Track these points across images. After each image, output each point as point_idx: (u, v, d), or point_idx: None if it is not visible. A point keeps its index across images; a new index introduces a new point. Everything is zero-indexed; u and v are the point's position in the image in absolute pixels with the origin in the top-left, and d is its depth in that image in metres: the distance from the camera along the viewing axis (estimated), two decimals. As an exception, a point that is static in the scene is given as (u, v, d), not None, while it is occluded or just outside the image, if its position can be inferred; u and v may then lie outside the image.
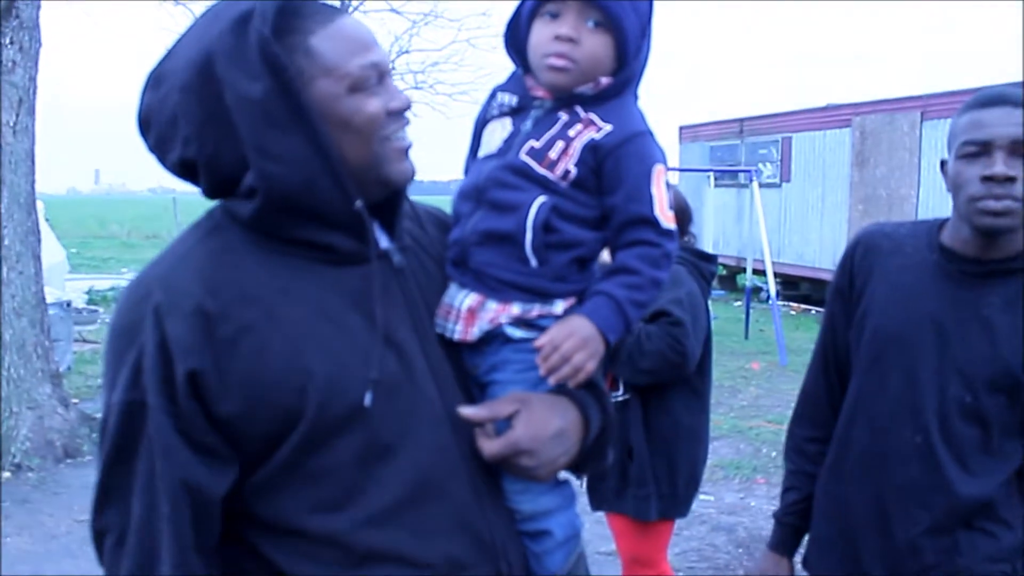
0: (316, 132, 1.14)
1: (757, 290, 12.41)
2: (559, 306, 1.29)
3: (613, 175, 1.27)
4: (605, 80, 1.29)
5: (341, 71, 1.17)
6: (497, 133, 1.34)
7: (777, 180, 15.17)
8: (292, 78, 1.13)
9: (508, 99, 1.35)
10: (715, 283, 15.43)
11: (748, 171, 12.06)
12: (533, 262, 1.27)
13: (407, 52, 26.22)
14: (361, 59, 1.18)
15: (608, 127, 1.27)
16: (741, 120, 16.58)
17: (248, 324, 1.15)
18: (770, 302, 10.72)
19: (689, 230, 3.23)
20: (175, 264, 1.20)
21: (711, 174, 12.91)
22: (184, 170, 1.20)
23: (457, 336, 1.28)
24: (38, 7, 5.97)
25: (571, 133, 1.28)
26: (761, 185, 12.44)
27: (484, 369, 1.31)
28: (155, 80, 1.19)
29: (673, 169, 17.27)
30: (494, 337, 1.29)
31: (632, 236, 1.28)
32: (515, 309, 1.28)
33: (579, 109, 1.30)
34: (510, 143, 1.31)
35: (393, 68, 1.26)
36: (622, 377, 2.99)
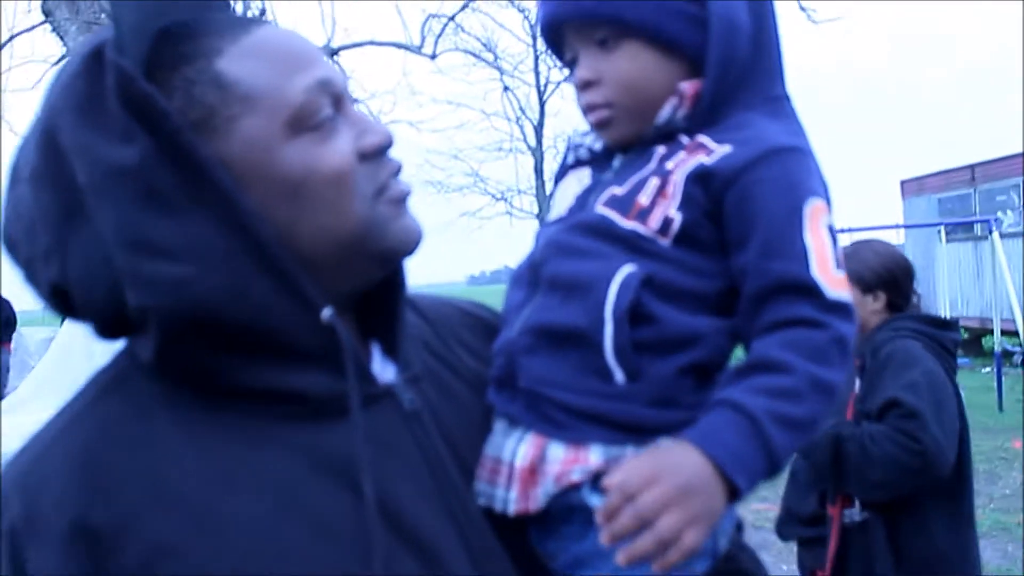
0: (233, 203, 0.70)
1: (1008, 354, 10.96)
2: None
3: (738, 216, 0.78)
4: (688, 86, 0.84)
5: (273, 98, 0.73)
6: (571, 188, 0.89)
7: (1021, 228, 13.62)
8: (179, 128, 0.69)
9: (590, 141, 0.91)
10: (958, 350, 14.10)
11: (987, 220, 10.76)
12: (618, 375, 0.78)
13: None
14: (303, 77, 0.74)
15: (725, 148, 0.80)
16: (972, 166, 15.08)
17: (165, 542, 0.70)
18: (1027, 367, 9.37)
19: (914, 291, 2.56)
20: (47, 448, 0.75)
21: (941, 229, 11.66)
22: (60, 301, 0.77)
23: (513, 508, 0.80)
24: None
25: (669, 165, 0.81)
26: (1002, 235, 11.08)
27: (565, 561, 0.80)
28: (13, 177, 0.78)
29: (895, 227, 16.03)
30: (571, 510, 0.78)
31: (777, 314, 0.77)
32: (594, 457, 0.78)
33: (683, 137, 0.84)
34: (585, 199, 0.86)
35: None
36: (853, 493, 2.35)
